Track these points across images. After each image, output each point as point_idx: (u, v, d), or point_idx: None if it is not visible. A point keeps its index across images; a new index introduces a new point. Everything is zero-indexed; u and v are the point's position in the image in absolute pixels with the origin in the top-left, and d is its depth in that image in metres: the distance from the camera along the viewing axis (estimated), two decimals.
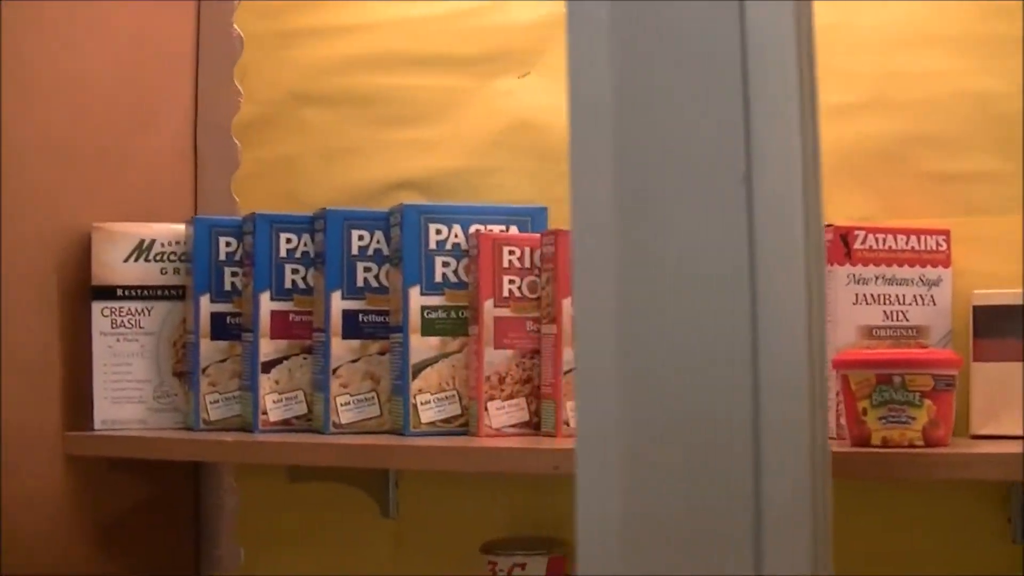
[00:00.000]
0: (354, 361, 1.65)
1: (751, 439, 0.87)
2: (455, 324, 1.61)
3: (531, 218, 1.66)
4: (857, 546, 1.50)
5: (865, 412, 1.31)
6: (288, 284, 1.70)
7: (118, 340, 1.80)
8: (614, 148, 0.88)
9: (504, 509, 1.75)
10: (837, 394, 1.39)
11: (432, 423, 1.60)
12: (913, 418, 1.29)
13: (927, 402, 1.29)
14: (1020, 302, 1.39)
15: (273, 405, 1.69)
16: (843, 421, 1.37)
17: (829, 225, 1.42)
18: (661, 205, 0.89)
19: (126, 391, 1.80)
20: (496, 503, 1.76)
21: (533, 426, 1.59)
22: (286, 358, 1.70)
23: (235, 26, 1.96)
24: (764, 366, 0.87)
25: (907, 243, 1.47)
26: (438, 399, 1.60)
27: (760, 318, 0.88)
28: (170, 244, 1.82)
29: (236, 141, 1.95)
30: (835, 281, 1.43)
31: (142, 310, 1.81)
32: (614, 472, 0.89)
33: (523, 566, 1.62)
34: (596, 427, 0.90)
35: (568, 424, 1.54)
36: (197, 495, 2.02)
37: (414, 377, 1.59)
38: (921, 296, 1.47)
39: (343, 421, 1.64)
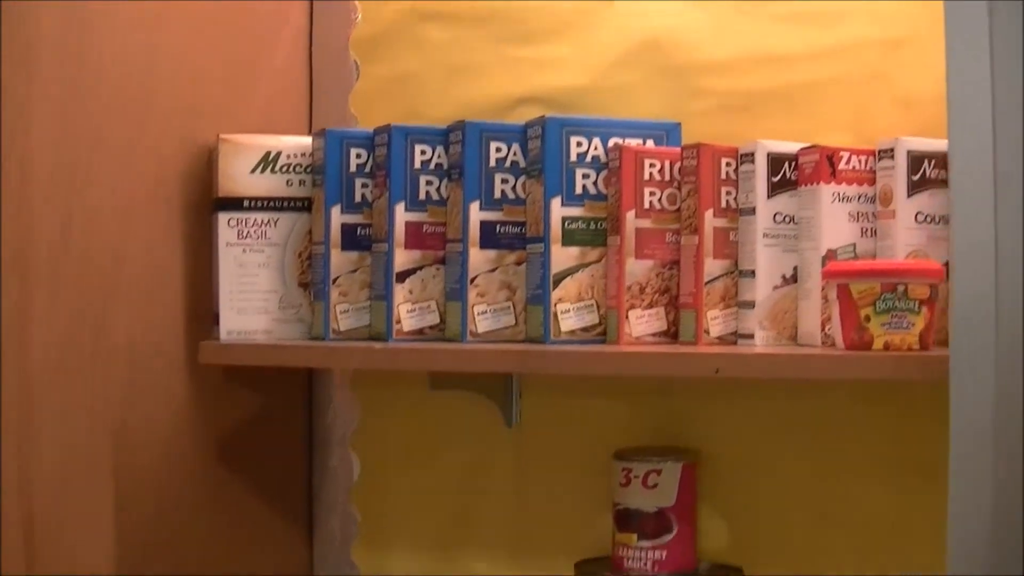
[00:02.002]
0: (491, 271, 1.67)
1: None
2: (594, 235, 1.64)
3: (666, 133, 1.68)
4: None
5: (868, 319, 1.40)
6: (422, 195, 1.72)
7: (244, 251, 1.82)
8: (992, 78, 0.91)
9: (628, 419, 1.78)
10: (826, 300, 1.47)
11: (572, 331, 1.63)
12: (913, 324, 1.39)
13: (924, 309, 1.39)
14: None
15: (407, 315, 1.71)
16: (829, 329, 1.47)
17: None
18: None
19: (252, 302, 1.83)
20: (620, 413, 1.79)
21: (671, 335, 1.62)
22: (420, 268, 1.72)
23: None
24: None
25: None
26: (577, 308, 1.63)
27: None
28: (296, 156, 1.84)
29: (354, 58, 1.96)
30: None
31: (268, 221, 1.83)
32: (988, 391, 0.93)
33: (658, 472, 1.66)
34: (971, 346, 0.99)
35: (708, 333, 1.57)
36: (311, 407, 2.05)
37: (554, 286, 1.62)
38: None
39: (480, 330, 1.67)
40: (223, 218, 1.82)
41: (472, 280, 1.66)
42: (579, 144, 1.64)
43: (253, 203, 1.82)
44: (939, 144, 1.51)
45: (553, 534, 1.84)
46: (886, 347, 1.40)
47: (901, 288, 1.39)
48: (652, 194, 1.61)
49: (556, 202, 1.62)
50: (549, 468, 1.84)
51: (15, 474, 1.68)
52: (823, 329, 1.51)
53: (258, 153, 1.83)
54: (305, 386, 2.04)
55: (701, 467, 1.71)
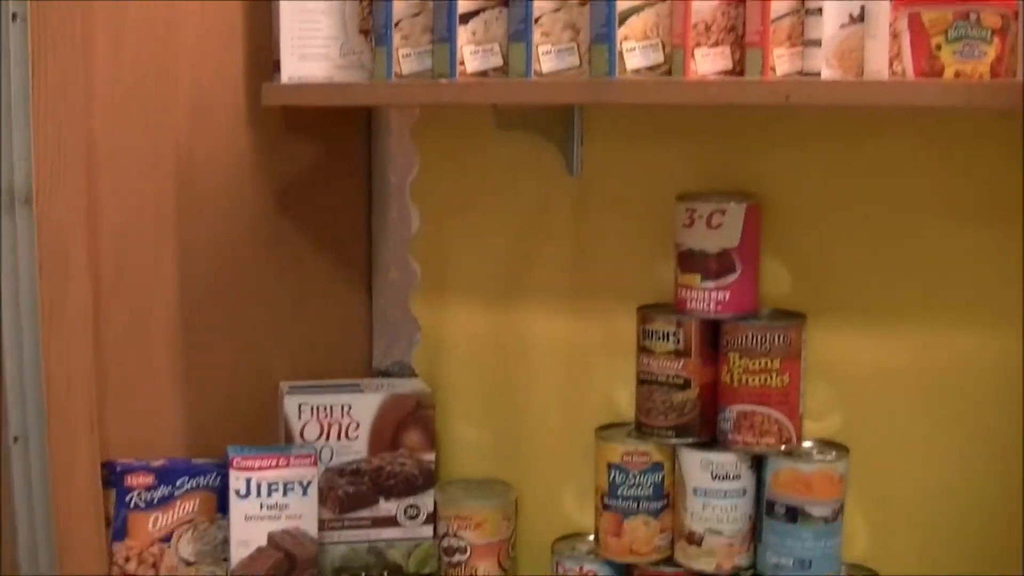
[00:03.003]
0: (555, 11, 1.65)
1: None
2: None
3: None
4: None
5: (939, 47, 1.39)
6: None
7: None
8: None
9: (691, 165, 1.77)
10: (895, 36, 1.44)
11: (637, 70, 1.61)
12: (985, 53, 1.37)
13: (995, 39, 1.37)
14: None
15: (471, 56, 1.70)
16: (897, 66, 1.44)
17: None
18: None
19: (313, 48, 1.82)
20: (683, 158, 1.78)
21: (737, 74, 1.61)
22: (483, 10, 1.70)
23: None
24: None
25: None
26: (643, 47, 1.61)
27: None
28: None
29: None
30: None
31: None
32: None
33: (722, 212, 1.66)
34: None
35: (774, 71, 1.56)
36: (370, 158, 2.06)
37: (620, 24, 1.60)
38: None
39: (544, 70, 1.65)
40: None
41: (536, 20, 1.65)
42: None
43: None
44: None
45: (615, 281, 1.85)
46: (957, 75, 1.38)
47: (974, 16, 1.38)
48: None
49: None
50: (611, 215, 1.85)
51: (84, 221, 1.70)
52: (890, 67, 1.49)
53: None
54: (364, 136, 2.05)
55: (766, 212, 1.71)
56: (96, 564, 1.74)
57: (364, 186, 2.07)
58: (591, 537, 1.84)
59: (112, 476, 1.79)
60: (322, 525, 1.87)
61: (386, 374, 2.09)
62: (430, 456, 1.94)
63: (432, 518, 1.94)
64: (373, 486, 1.92)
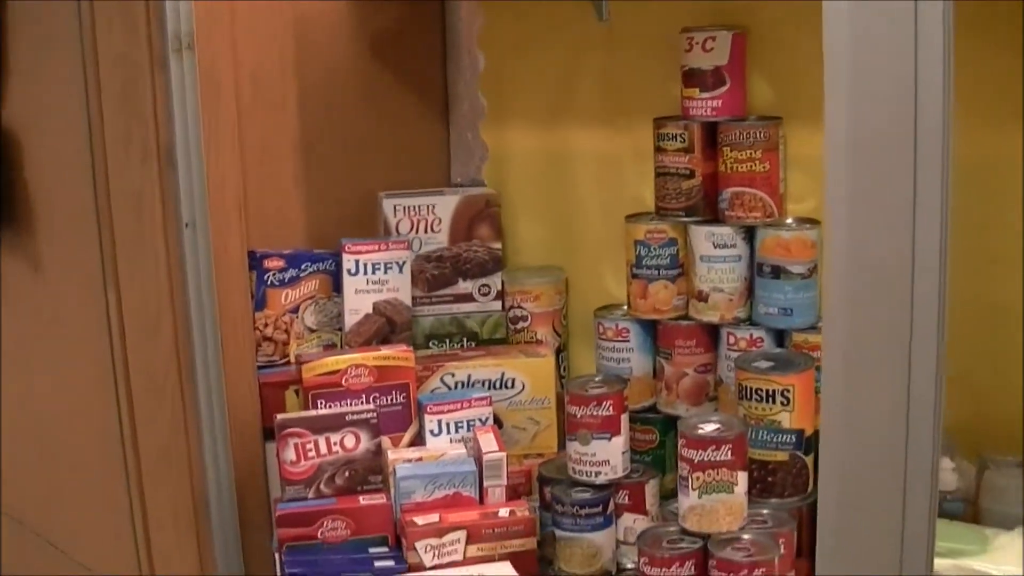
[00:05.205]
0: None
1: None
2: None
3: None
4: None
5: None
6: None
7: None
8: None
9: (694, 5, 2.17)
10: None
11: None
12: None
13: None
14: None
15: None
16: None
17: None
18: None
19: None
20: (687, 1, 2.19)
21: None
22: None
23: None
24: None
25: None
26: None
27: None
28: None
29: None
30: None
31: None
32: None
33: (714, 38, 2.10)
34: None
35: None
36: (444, 15, 2.54)
37: None
38: None
39: None
40: None
41: None
42: None
43: None
44: None
45: (637, 101, 2.28)
46: None
47: None
48: None
49: None
50: (632, 50, 2.28)
51: (230, 64, 2.17)
52: None
53: None
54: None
55: (751, 39, 2.12)
56: (245, 327, 2.24)
57: (440, 37, 2.53)
58: (625, 306, 2.31)
59: (253, 261, 2.27)
60: (414, 301, 2.34)
61: (461, 186, 2.57)
62: (497, 245, 2.41)
63: (500, 295, 2.41)
64: (453, 269, 2.38)
